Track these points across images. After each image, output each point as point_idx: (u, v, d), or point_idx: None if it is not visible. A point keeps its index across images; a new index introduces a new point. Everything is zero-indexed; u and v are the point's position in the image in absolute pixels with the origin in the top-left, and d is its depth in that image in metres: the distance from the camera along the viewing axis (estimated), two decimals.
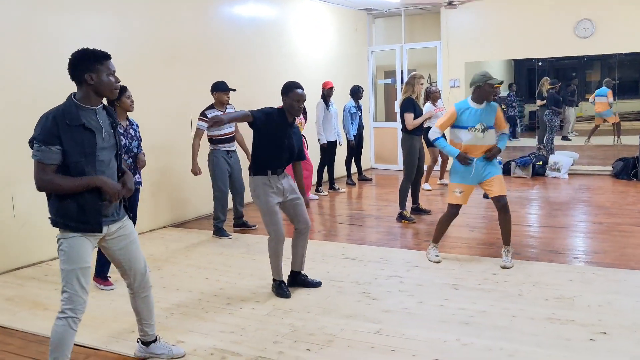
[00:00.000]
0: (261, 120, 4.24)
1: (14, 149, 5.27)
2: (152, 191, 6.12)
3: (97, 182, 2.85)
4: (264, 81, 8.41)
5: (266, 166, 4.33)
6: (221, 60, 7.78)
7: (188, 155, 7.22)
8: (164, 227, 7.01)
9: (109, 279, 4.79)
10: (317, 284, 4.64)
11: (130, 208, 4.91)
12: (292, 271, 4.66)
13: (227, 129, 6.27)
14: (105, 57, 2.89)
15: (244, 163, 6.42)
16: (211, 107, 6.26)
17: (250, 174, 4.42)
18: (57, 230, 2.92)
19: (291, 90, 4.33)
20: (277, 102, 7.71)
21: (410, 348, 3.45)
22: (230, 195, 6.51)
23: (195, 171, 6.25)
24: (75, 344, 3.05)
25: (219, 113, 6.14)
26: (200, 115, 6.21)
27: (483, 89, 4.93)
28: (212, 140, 6.27)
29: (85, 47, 2.90)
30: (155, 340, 3.42)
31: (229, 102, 6.33)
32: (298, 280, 4.64)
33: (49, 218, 2.91)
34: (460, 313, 3.96)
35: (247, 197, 6.61)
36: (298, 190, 4.54)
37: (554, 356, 3.26)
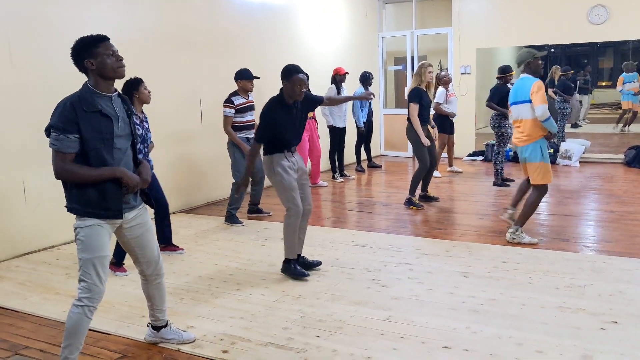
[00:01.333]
0: (267, 131, 4.34)
1: (25, 134, 5.28)
2: (162, 177, 6.09)
3: (118, 173, 2.85)
4: (273, 67, 8.33)
5: (281, 145, 4.40)
6: (231, 47, 7.76)
7: (199, 140, 7.26)
8: (174, 212, 7.03)
9: (123, 265, 4.82)
10: (317, 264, 4.72)
11: (154, 194, 4.97)
12: None
13: (249, 116, 6.28)
14: (101, 39, 2.84)
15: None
16: (235, 93, 6.25)
17: (265, 154, 4.46)
18: (69, 215, 2.92)
19: (292, 74, 4.33)
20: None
21: (419, 335, 3.45)
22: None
23: (247, 149, 6.07)
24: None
25: (243, 100, 6.20)
26: (226, 102, 6.16)
27: (534, 63, 5.12)
28: (234, 127, 6.22)
29: (82, 35, 2.86)
30: (165, 326, 3.44)
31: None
32: (298, 262, 4.67)
33: (66, 207, 2.89)
34: (469, 301, 3.95)
35: (266, 183, 6.64)
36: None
37: (563, 345, 3.25)
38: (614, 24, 9.45)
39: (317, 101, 4.74)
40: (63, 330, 2.99)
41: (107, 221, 2.90)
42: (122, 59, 2.89)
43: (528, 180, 5.39)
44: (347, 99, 5.55)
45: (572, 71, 10.36)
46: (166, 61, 6.80)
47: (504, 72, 7.92)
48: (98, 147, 2.79)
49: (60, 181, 2.87)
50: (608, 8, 9.45)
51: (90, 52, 2.81)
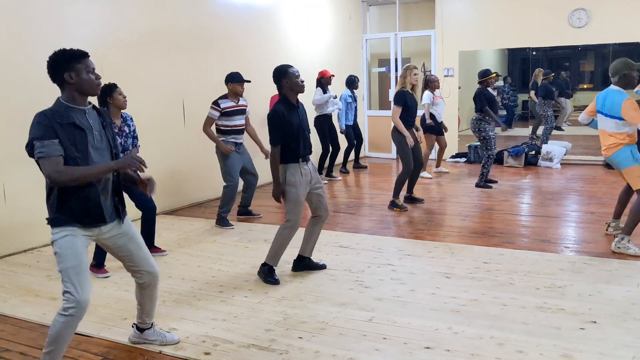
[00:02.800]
0: (281, 129, 4.28)
1: (4, 136, 5.23)
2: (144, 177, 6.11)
3: (115, 166, 2.85)
4: (257, 68, 8.36)
5: (296, 153, 4.35)
6: (215, 47, 7.74)
7: (181, 141, 7.23)
8: (157, 214, 6.98)
9: (105, 267, 4.79)
10: (322, 266, 4.75)
11: (139, 199, 4.94)
12: (300, 255, 4.73)
13: (239, 120, 6.22)
14: (83, 55, 2.85)
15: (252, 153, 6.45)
16: (224, 97, 6.18)
17: (280, 162, 4.38)
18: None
19: (287, 71, 4.34)
20: (269, 88, 7.67)
21: (401, 336, 3.46)
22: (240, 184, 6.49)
23: (227, 150, 6.09)
24: None
25: (232, 103, 6.14)
26: (213, 104, 6.11)
27: (630, 76, 4.93)
28: (222, 131, 6.18)
29: (62, 48, 2.87)
30: (150, 327, 3.43)
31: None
32: (304, 263, 4.72)
33: (47, 219, 2.88)
34: (451, 301, 3.97)
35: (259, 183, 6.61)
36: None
37: (544, 345, 3.28)
38: (594, 28, 9.56)
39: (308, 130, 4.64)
40: (44, 333, 2.98)
41: (85, 230, 2.89)
42: (100, 77, 2.90)
43: (626, 189, 5.33)
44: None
45: (554, 74, 10.48)
46: (150, 61, 6.77)
47: (484, 76, 8.00)
48: (75, 157, 2.79)
49: (42, 183, 2.85)
50: (589, 11, 9.57)
51: (72, 66, 2.81)
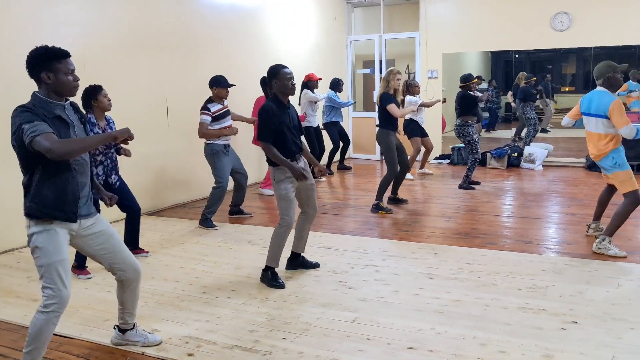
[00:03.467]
0: (271, 125, 4.27)
1: None
2: (127, 179, 6.01)
3: (114, 133, 2.86)
4: (241, 69, 8.35)
5: (287, 153, 4.36)
6: (199, 47, 7.71)
7: (165, 142, 7.19)
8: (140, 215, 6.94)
9: (86, 268, 4.74)
10: (315, 265, 4.81)
11: (122, 201, 4.92)
12: (293, 253, 4.79)
13: (226, 123, 6.21)
14: (64, 55, 2.82)
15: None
16: (210, 100, 6.16)
17: (270, 163, 4.42)
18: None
19: (279, 71, 4.34)
20: (253, 89, 7.66)
21: (385, 336, 3.48)
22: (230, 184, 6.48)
23: (233, 132, 6.14)
24: None
25: (220, 106, 6.13)
26: (203, 109, 6.06)
27: (614, 78, 4.97)
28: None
29: (44, 45, 2.83)
30: (132, 328, 3.41)
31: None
32: (298, 261, 4.78)
33: (25, 208, 2.83)
34: (434, 302, 4.00)
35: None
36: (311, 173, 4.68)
37: (525, 345, 3.31)
38: (576, 31, 9.68)
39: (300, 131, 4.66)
40: (25, 335, 2.94)
41: (62, 225, 2.86)
42: (78, 79, 2.88)
43: (606, 191, 5.37)
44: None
45: (535, 78, 10.58)
46: (133, 61, 6.72)
47: (466, 81, 8.07)
48: None
49: (20, 184, 2.82)
50: (570, 15, 9.68)
51: (50, 65, 2.78)
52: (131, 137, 2.91)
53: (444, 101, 9.94)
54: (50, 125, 2.72)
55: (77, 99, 3.24)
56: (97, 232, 3.05)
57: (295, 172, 4.29)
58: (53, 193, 2.80)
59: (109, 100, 4.68)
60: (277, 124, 4.29)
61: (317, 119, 9.12)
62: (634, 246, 5.19)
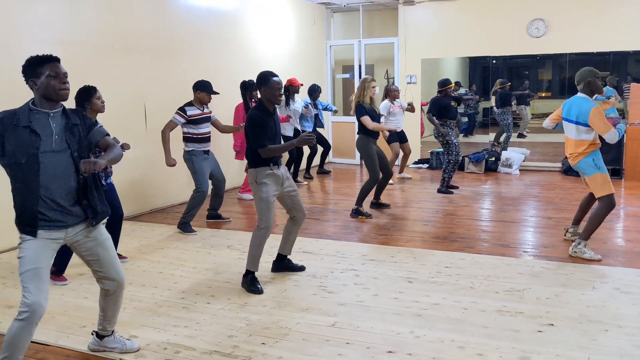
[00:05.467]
0: (262, 132, 4.32)
1: None
2: None
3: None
4: (220, 73, 8.33)
5: (269, 160, 4.38)
6: (177, 51, 7.67)
7: (143, 146, 7.13)
8: None
9: (63, 275, 4.68)
10: (300, 268, 4.84)
11: (111, 207, 4.88)
12: (279, 255, 4.83)
13: (206, 128, 6.19)
14: (48, 60, 2.83)
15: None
16: (190, 104, 6.12)
17: (251, 166, 4.45)
18: (2, 223, 2.89)
19: (269, 80, 4.36)
20: (232, 94, 7.65)
21: (364, 340, 3.48)
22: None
23: (171, 162, 6.06)
24: None
25: (199, 111, 6.10)
26: (180, 110, 6.04)
27: (595, 84, 5.02)
28: (190, 139, 6.12)
29: (35, 54, 2.86)
30: (110, 335, 3.37)
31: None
32: (283, 264, 4.82)
33: None
34: (413, 305, 4.02)
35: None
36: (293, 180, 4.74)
37: (503, 347, 3.35)
38: (552, 37, 9.82)
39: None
40: (1, 342, 2.90)
41: (49, 233, 2.88)
42: (66, 82, 2.86)
43: (589, 196, 5.41)
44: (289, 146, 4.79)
45: (510, 83, 10.72)
46: (110, 64, 6.66)
47: (444, 85, 8.15)
48: (19, 162, 2.78)
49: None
50: (547, 22, 9.82)
51: (35, 71, 2.81)
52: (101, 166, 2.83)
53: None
54: (10, 136, 2.76)
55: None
56: (87, 238, 3.05)
57: (301, 141, 4.33)
58: (18, 206, 2.89)
59: (103, 103, 4.61)
60: (264, 129, 4.34)
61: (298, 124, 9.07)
62: (609, 249, 5.28)
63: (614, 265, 4.83)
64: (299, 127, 8.86)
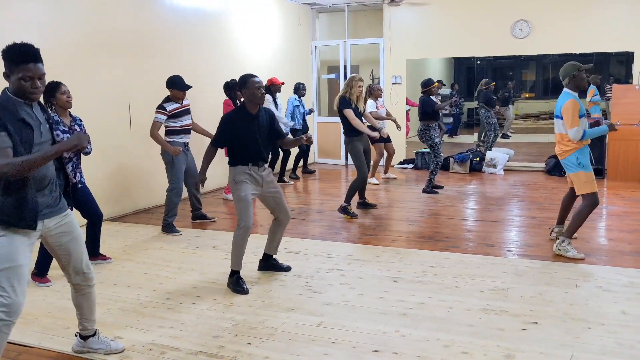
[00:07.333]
0: (225, 135, 4.42)
1: None
2: (89, 183, 5.95)
3: (59, 149, 2.75)
4: (204, 73, 8.31)
5: (246, 159, 4.41)
6: (161, 51, 7.63)
7: (128, 146, 7.09)
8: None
9: (47, 276, 4.64)
10: (286, 268, 4.84)
11: (85, 207, 4.84)
12: (265, 254, 4.83)
13: (186, 120, 6.19)
14: (24, 60, 2.70)
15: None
16: (168, 99, 6.10)
17: (229, 164, 4.49)
18: None
19: (248, 80, 4.39)
20: (216, 94, 7.63)
21: (350, 340, 3.49)
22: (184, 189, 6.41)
23: (176, 150, 6.01)
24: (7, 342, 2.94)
25: (177, 105, 6.09)
26: (159, 108, 6.01)
27: (579, 77, 5.01)
28: (171, 132, 6.10)
29: (14, 43, 2.75)
30: (94, 335, 3.34)
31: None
32: (269, 263, 4.82)
33: None
34: (399, 305, 4.03)
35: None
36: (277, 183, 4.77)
37: (488, 346, 3.37)
38: (535, 39, 9.91)
39: (279, 135, 4.68)
40: None
41: (21, 231, 2.81)
42: (38, 87, 2.76)
43: (569, 195, 5.44)
44: (296, 141, 4.92)
45: (494, 84, 10.80)
46: (93, 64, 6.60)
47: (427, 86, 8.21)
48: (22, 153, 2.72)
49: None
50: (530, 23, 9.91)
51: (10, 66, 2.73)
52: (83, 147, 2.88)
53: (398, 127, 9.46)
54: (13, 130, 2.67)
55: None
56: (62, 232, 3.02)
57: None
58: (12, 200, 2.76)
59: (68, 98, 4.54)
60: (232, 133, 4.37)
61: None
62: (592, 248, 5.33)
63: (596, 264, 4.89)
64: (290, 124, 8.91)
